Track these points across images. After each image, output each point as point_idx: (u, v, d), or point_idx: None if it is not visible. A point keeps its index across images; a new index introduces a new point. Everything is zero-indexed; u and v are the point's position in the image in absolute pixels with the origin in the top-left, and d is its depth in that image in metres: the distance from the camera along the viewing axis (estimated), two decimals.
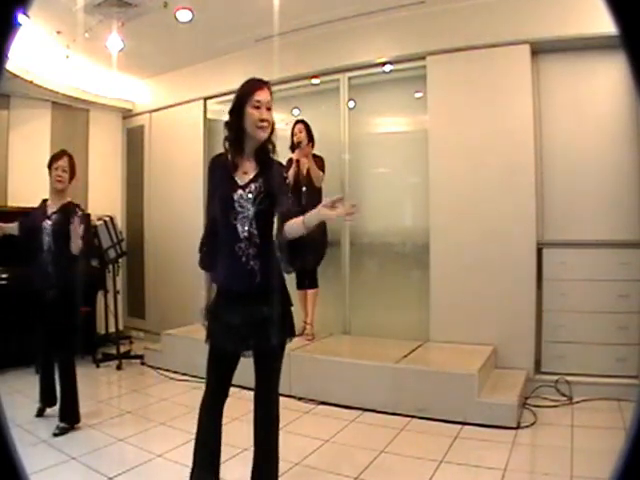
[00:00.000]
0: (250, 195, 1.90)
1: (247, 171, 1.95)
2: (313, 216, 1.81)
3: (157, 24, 4.37)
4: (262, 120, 1.88)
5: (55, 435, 3.03)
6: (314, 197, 4.10)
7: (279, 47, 4.44)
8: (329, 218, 1.82)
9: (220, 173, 1.99)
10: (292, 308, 2.03)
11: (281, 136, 4.92)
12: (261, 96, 1.89)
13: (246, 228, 1.89)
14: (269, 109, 1.91)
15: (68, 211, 3.19)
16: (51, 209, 3.24)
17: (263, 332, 1.89)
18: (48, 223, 3.19)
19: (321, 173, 4.16)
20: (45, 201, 3.31)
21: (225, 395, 2.03)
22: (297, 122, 4.28)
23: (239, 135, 1.94)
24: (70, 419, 3.14)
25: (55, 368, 3.29)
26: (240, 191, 1.91)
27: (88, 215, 5.26)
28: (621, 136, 3.72)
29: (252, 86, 1.92)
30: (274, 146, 1.99)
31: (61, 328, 3.14)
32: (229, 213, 1.90)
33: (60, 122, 5.54)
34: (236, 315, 1.90)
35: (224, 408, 2.04)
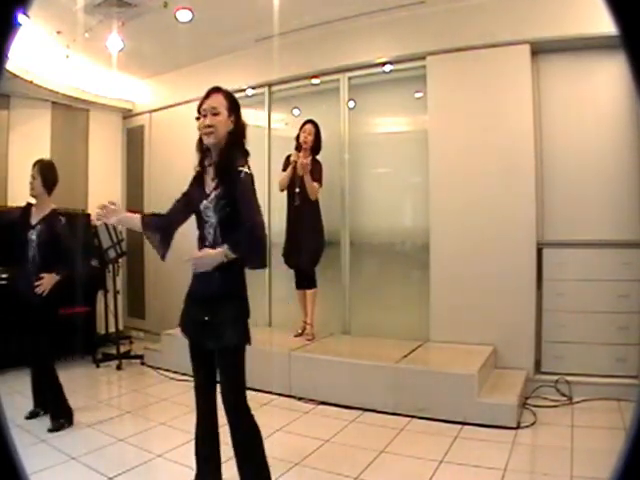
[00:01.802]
0: (211, 204, 1.98)
1: (214, 177, 2.02)
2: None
3: (157, 24, 4.37)
4: (205, 126, 1.98)
5: (50, 431, 3.08)
6: (308, 198, 4.09)
7: (279, 47, 4.44)
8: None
9: (195, 182, 2.10)
10: (248, 320, 2.04)
11: (280, 136, 4.98)
12: (205, 104, 1.99)
13: (211, 235, 1.99)
14: (215, 114, 1.96)
15: (51, 222, 3.21)
16: (35, 219, 3.25)
17: (212, 334, 1.96)
18: (33, 234, 3.20)
19: (316, 186, 4.08)
20: (30, 206, 3.31)
21: (210, 385, 2.08)
22: (307, 122, 4.22)
23: (202, 143, 2.05)
24: (58, 417, 3.17)
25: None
26: (205, 201, 2.00)
27: (88, 215, 5.29)
28: (621, 136, 3.72)
29: (202, 97, 2.03)
30: (235, 151, 2.00)
31: (40, 332, 3.16)
32: (200, 223, 2.04)
33: (60, 122, 5.54)
34: (197, 314, 2.00)
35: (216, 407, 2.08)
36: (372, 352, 3.84)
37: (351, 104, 4.66)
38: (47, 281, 3.12)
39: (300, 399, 3.66)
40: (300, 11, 4.20)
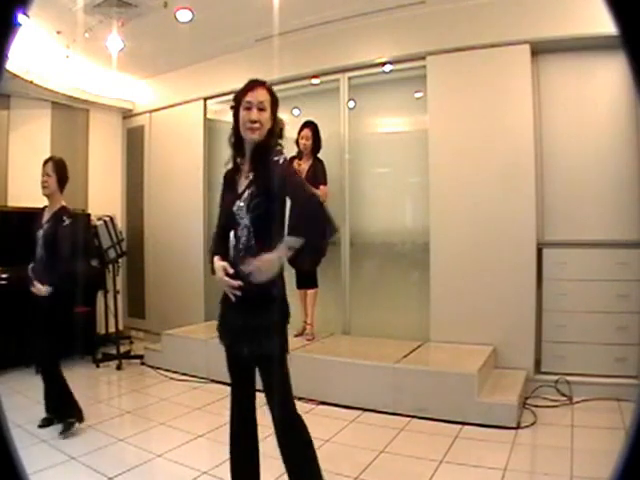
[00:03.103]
0: (244, 203, 1.84)
1: (248, 176, 1.89)
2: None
3: (157, 24, 4.37)
4: (251, 121, 1.83)
5: (61, 434, 3.03)
6: None
7: (279, 47, 4.44)
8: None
9: (227, 184, 1.96)
10: (288, 325, 1.91)
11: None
12: (252, 97, 1.85)
13: (245, 237, 1.84)
14: (262, 110, 1.84)
15: (56, 222, 3.16)
16: (45, 217, 3.23)
17: (255, 340, 1.83)
18: (40, 233, 3.18)
19: (322, 191, 4.04)
20: (44, 209, 3.29)
21: (248, 400, 1.95)
22: (305, 125, 4.22)
23: (238, 138, 1.91)
24: (64, 416, 3.12)
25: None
26: (238, 202, 1.86)
27: (88, 215, 5.29)
28: (621, 136, 3.72)
29: (245, 87, 1.89)
30: (272, 146, 1.89)
31: (50, 331, 3.11)
32: (232, 226, 1.87)
33: (60, 122, 5.54)
34: (235, 320, 1.87)
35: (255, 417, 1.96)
36: (372, 352, 3.84)
37: (351, 104, 4.66)
38: (39, 289, 3.06)
39: (300, 399, 3.65)
40: (300, 11, 4.20)
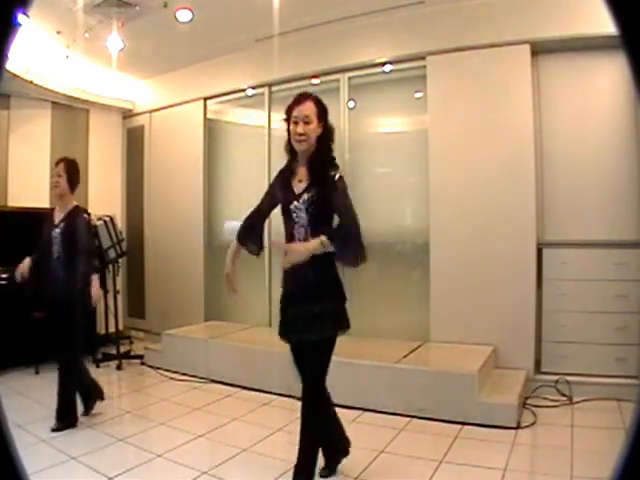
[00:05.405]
0: (303, 205, 2.12)
1: (302, 179, 2.14)
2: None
3: (157, 24, 4.37)
4: (298, 134, 2.11)
5: (53, 430, 3.08)
6: None
7: (279, 47, 4.44)
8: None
9: (281, 182, 2.24)
10: (345, 305, 2.27)
11: (280, 136, 4.96)
12: (298, 111, 2.11)
13: (302, 235, 2.12)
14: (307, 123, 2.09)
15: (74, 219, 3.24)
16: (58, 217, 3.27)
17: (311, 326, 2.12)
18: (57, 232, 3.23)
19: None
20: (53, 210, 3.35)
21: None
22: None
23: (291, 145, 2.19)
24: (65, 420, 3.15)
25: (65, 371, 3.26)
26: (295, 202, 2.14)
27: (89, 215, 5.29)
28: (621, 136, 3.72)
29: (293, 102, 2.15)
30: (327, 159, 2.15)
31: (72, 330, 3.15)
32: (288, 222, 2.18)
33: (60, 122, 5.54)
34: (292, 311, 2.20)
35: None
36: (372, 352, 3.84)
37: (351, 104, 4.66)
38: (95, 292, 3.17)
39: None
40: (300, 11, 4.20)
